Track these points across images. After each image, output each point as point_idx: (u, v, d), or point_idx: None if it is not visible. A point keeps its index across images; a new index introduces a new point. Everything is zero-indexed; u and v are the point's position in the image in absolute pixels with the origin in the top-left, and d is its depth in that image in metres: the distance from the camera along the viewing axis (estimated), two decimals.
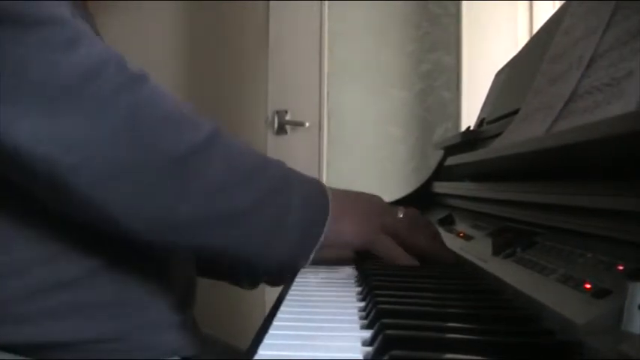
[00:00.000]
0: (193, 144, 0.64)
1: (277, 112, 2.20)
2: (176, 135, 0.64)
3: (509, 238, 0.70)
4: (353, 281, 0.72)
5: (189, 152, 0.64)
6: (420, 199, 1.29)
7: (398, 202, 1.31)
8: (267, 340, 0.46)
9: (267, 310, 0.61)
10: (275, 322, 0.52)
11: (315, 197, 0.73)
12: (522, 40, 2.03)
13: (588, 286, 0.45)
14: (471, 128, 1.25)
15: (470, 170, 1.02)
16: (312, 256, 0.71)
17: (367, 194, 0.82)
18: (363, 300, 0.62)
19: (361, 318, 0.54)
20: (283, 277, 0.73)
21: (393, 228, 0.79)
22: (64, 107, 0.60)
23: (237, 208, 0.67)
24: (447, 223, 1.03)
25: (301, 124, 2.19)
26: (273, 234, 0.69)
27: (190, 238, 0.67)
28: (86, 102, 0.60)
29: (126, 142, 0.61)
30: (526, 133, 0.74)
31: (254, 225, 0.68)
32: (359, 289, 0.68)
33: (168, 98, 0.66)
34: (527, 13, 2.12)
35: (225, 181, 0.66)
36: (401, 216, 0.81)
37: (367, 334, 0.47)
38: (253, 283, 0.91)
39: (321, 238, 0.71)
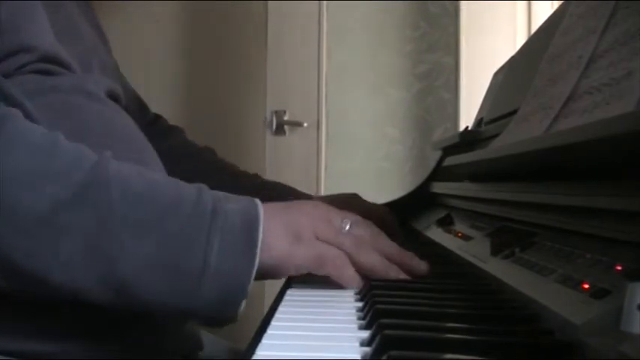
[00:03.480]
0: (58, 199, 0.55)
1: (276, 112, 2.20)
2: (34, 190, 0.55)
3: (508, 239, 0.70)
4: None
5: (52, 209, 0.55)
6: (419, 199, 1.29)
7: (397, 203, 1.32)
8: (265, 341, 0.46)
9: (266, 311, 0.61)
10: (273, 323, 0.52)
11: (242, 234, 0.60)
12: (521, 40, 2.03)
13: (587, 286, 0.45)
14: (470, 128, 1.25)
15: (468, 170, 1.02)
16: (242, 306, 0.60)
17: (312, 203, 0.71)
18: (361, 300, 0.62)
19: (359, 318, 0.54)
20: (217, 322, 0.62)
21: (339, 242, 0.67)
22: None
23: (127, 266, 0.57)
24: (446, 223, 1.03)
25: (300, 125, 2.19)
26: (186, 291, 0.58)
27: (77, 299, 0.59)
28: None
29: None
30: (525, 134, 0.74)
31: (154, 283, 0.58)
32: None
33: (28, 146, 0.57)
34: (525, 13, 2.12)
35: (106, 238, 0.56)
36: (347, 228, 0.68)
37: (365, 334, 0.47)
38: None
39: (249, 286, 0.59)
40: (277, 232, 0.63)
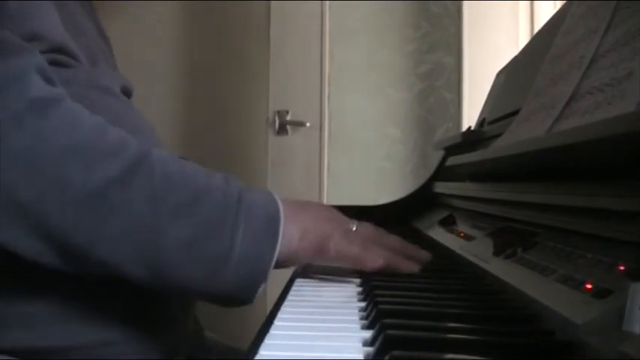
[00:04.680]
0: (109, 177, 0.59)
1: (278, 112, 2.20)
2: (87, 166, 0.58)
3: (510, 239, 0.70)
4: (354, 281, 0.72)
5: (104, 186, 0.58)
6: (421, 199, 1.30)
7: (400, 202, 1.32)
8: (267, 341, 0.46)
9: (268, 311, 0.61)
10: (276, 323, 0.52)
11: (264, 224, 0.65)
12: (523, 39, 2.03)
13: (589, 286, 0.45)
14: (472, 128, 1.25)
15: (471, 170, 1.02)
16: (260, 290, 0.64)
17: (320, 205, 0.77)
18: (363, 300, 0.62)
19: (362, 318, 0.54)
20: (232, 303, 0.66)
21: (350, 238, 0.72)
22: None
23: (164, 245, 0.60)
24: (448, 223, 1.03)
25: (302, 124, 2.19)
26: (212, 272, 0.62)
27: (113, 274, 0.62)
28: None
29: (24, 174, 0.56)
30: (527, 134, 0.74)
31: (185, 263, 0.61)
32: (359, 289, 0.68)
33: (82, 125, 0.60)
34: (528, 13, 2.12)
35: (149, 217, 0.60)
36: (354, 228, 0.74)
37: (368, 334, 0.48)
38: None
39: (269, 272, 0.64)
40: (290, 228, 0.67)
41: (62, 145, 0.58)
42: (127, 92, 0.82)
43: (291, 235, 0.67)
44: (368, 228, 0.75)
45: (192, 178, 0.64)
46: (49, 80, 0.62)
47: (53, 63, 0.68)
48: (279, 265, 0.67)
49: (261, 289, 0.64)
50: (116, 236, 0.59)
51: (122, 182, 0.59)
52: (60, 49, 0.70)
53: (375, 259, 0.71)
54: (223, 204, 0.63)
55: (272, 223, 0.65)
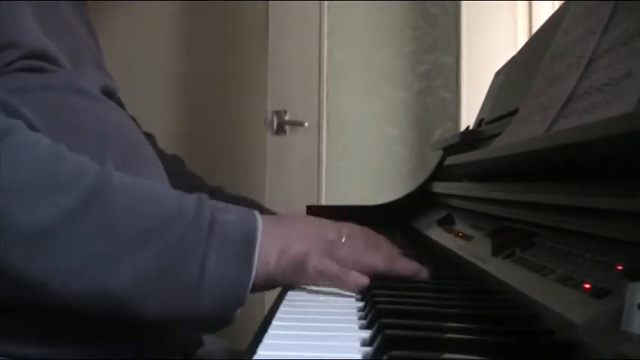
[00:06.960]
0: (57, 214, 0.56)
1: (276, 112, 2.20)
2: (32, 205, 0.55)
3: (509, 238, 0.70)
4: None
5: (52, 223, 0.56)
6: (420, 199, 1.30)
7: (398, 202, 1.32)
8: (266, 340, 0.46)
9: (267, 310, 0.61)
10: (274, 322, 0.52)
11: (238, 247, 0.60)
12: (521, 40, 2.03)
13: (587, 286, 0.45)
14: (470, 128, 1.26)
15: (469, 170, 1.02)
16: (237, 313, 0.61)
17: (306, 219, 0.73)
18: (362, 300, 0.62)
19: (360, 318, 0.54)
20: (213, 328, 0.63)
21: (335, 254, 0.67)
22: None
23: (122, 279, 0.57)
24: (447, 223, 1.03)
25: (300, 124, 2.19)
26: (182, 303, 0.59)
27: (73, 308, 0.60)
28: None
29: None
30: (525, 134, 0.74)
31: (149, 296, 0.58)
32: None
33: (29, 161, 0.57)
34: (526, 13, 2.12)
35: (106, 251, 0.57)
36: (343, 240, 0.68)
37: (366, 334, 0.48)
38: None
39: (245, 298, 0.60)
40: (267, 249, 0.63)
41: (5, 184, 0.55)
42: (108, 92, 0.80)
43: (268, 256, 0.63)
44: (358, 239, 0.70)
45: (157, 204, 0.61)
46: (5, 109, 0.59)
47: (30, 69, 0.68)
48: (257, 289, 0.62)
49: (237, 313, 0.61)
50: (69, 273, 0.57)
51: (74, 218, 0.57)
52: (37, 55, 0.69)
53: (356, 279, 0.64)
54: (193, 229, 0.59)
55: (247, 246, 0.61)
